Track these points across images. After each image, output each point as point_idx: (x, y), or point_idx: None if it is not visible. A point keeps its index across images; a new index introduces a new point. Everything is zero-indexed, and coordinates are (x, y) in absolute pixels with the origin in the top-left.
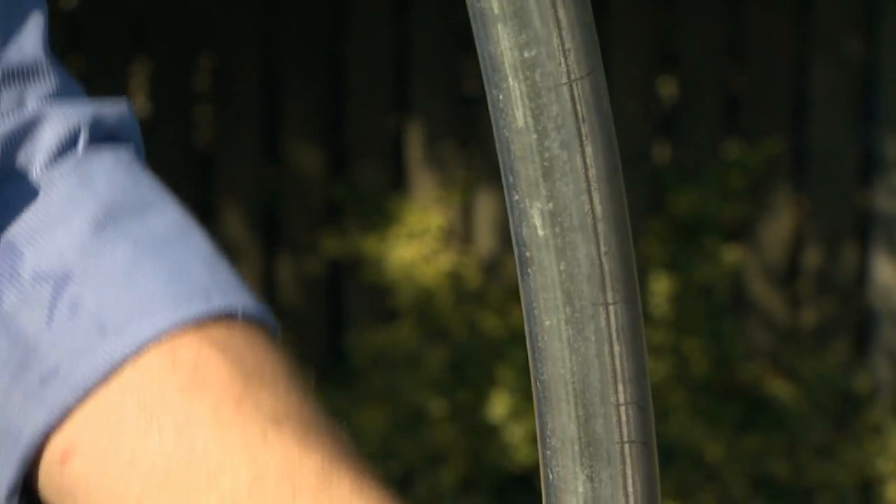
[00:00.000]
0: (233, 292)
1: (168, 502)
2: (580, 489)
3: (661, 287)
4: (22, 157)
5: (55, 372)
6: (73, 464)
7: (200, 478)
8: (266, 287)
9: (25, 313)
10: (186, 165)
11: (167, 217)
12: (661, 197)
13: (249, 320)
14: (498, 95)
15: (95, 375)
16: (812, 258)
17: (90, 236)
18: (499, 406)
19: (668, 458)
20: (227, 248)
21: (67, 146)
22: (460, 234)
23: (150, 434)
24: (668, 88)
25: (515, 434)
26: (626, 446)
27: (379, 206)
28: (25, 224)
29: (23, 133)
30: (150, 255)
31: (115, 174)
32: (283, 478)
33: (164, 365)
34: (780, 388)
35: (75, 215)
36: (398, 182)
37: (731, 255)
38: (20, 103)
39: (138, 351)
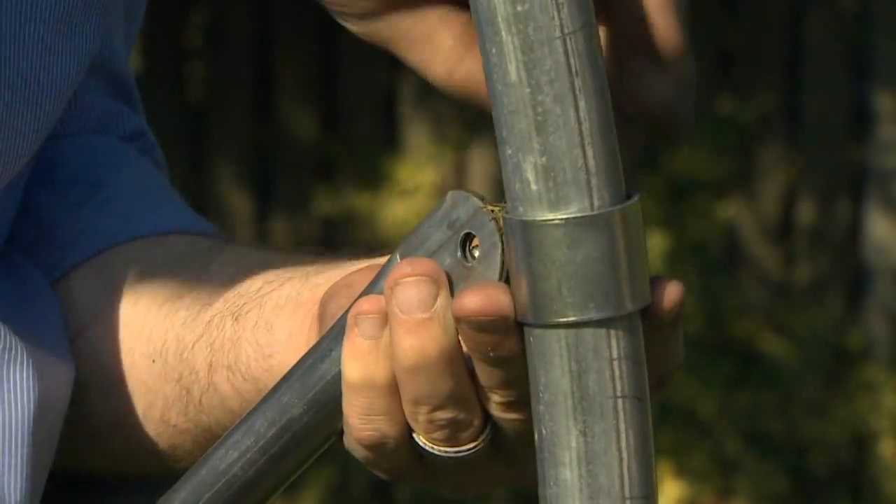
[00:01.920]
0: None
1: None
2: (573, 444)
3: (654, 244)
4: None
5: (68, 244)
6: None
7: None
8: (258, 244)
9: (54, 202)
10: (178, 122)
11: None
12: (654, 154)
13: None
14: (491, 49)
15: (108, 241)
16: (805, 214)
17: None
18: None
19: (660, 415)
20: (220, 205)
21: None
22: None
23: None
24: None
25: None
26: (620, 401)
27: (372, 163)
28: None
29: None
30: (163, 188)
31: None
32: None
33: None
34: (773, 345)
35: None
36: (391, 139)
37: (725, 211)
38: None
39: (153, 232)
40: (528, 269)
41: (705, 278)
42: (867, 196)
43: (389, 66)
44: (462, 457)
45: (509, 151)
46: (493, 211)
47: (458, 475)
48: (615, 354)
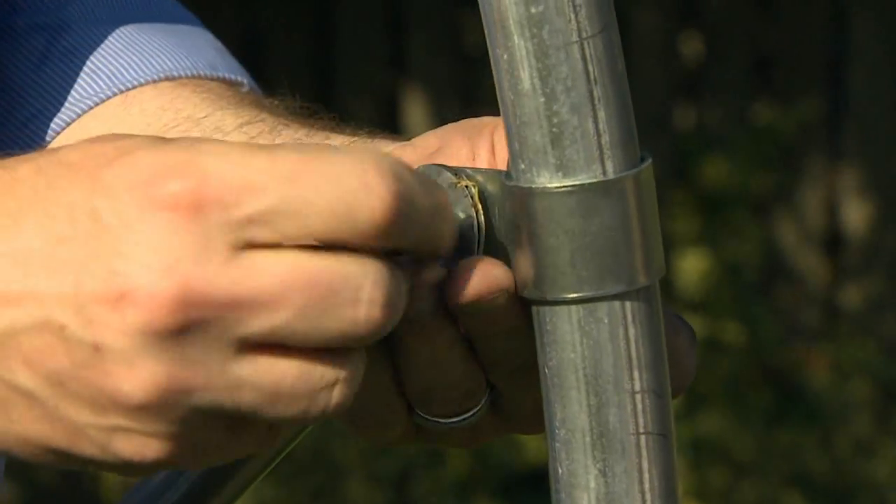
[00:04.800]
0: (240, 73)
1: None
2: (592, 484)
3: (685, 265)
4: None
5: (37, 115)
6: None
7: None
8: None
9: (17, 62)
10: None
11: (184, 16)
12: (684, 166)
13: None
14: (502, 55)
15: (75, 114)
16: (852, 233)
17: (96, 4)
18: None
19: (694, 454)
20: None
21: None
22: None
23: None
24: (691, 45)
25: None
26: (642, 438)
27: None
28: None
29: None
30: (159, 30)
31: None
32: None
33: (164, 100)
34: (816, 377)
35: None
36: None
37: (763, 230)
38: None
39: (126, 91)
40: (535, 241)
41: (742, 302)
42: None
43: (389, 66)
44: (463, 423)
45: (522, 165)
46: (467, 187)
47: (456, 437)
48: (637, 387)
